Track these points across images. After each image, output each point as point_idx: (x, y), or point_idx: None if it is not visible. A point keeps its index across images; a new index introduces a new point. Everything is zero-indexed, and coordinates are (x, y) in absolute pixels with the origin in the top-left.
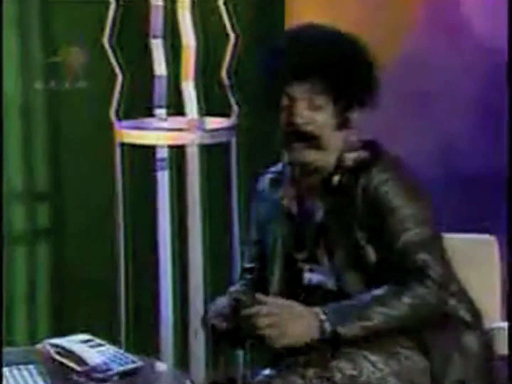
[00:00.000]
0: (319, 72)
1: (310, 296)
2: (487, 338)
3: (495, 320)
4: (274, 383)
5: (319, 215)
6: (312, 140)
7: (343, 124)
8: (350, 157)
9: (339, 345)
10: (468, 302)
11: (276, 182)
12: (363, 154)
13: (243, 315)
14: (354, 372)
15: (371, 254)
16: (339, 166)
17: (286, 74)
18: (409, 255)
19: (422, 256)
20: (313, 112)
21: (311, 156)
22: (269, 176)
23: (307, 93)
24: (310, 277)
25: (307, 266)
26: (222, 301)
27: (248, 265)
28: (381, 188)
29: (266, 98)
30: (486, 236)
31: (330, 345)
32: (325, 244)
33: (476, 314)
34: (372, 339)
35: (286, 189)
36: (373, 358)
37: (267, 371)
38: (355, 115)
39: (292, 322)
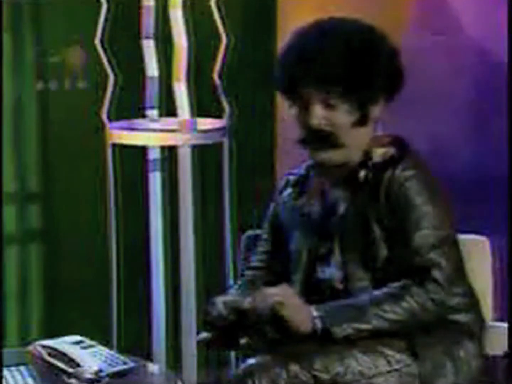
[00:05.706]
0: (331, 75)
1: (321, 293)
2: (482, 346)
3: (486, 321)
4: (258, 373)
5: (341, 209)
6: (329, 139)
7: (362, 121)
8: (378, 153)
9: (327, 342)
10: (473, 309)
11: (296, 184)
12: (390, 150)
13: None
14: (340, 370)
15: (383, 252)
16: (366, 161)
17: (299, 78)
18: (419, 255)
19: (432, 256)
20: (327, 111)
21: (328, 154)
22: (291, 177)
23: (320, 94)
24: (322, 270)
25: (323, 261)
26: (221, 305)
27: (254, 264)
28: (405, 184)
29: (283, 95)
30: (479, 237)
31: (319, 342)
32: (341, 238)
33: (481, 324)
34: (362, 339)
35: (308, 188)
36: (361, 357)
37: (252, 360)
38: (376, 111)
39: (293, 303)
